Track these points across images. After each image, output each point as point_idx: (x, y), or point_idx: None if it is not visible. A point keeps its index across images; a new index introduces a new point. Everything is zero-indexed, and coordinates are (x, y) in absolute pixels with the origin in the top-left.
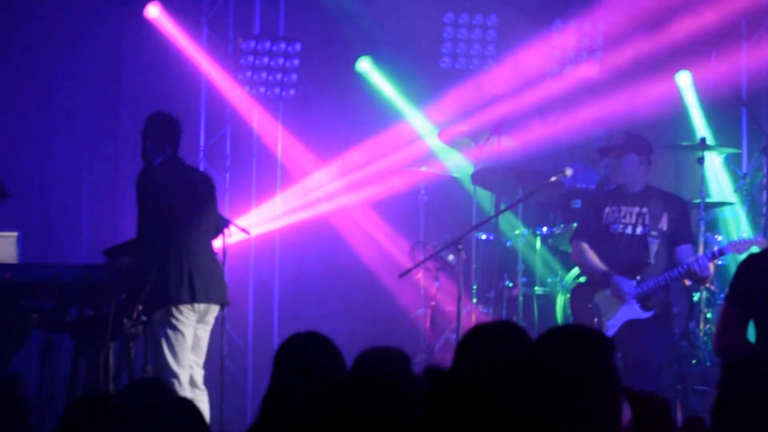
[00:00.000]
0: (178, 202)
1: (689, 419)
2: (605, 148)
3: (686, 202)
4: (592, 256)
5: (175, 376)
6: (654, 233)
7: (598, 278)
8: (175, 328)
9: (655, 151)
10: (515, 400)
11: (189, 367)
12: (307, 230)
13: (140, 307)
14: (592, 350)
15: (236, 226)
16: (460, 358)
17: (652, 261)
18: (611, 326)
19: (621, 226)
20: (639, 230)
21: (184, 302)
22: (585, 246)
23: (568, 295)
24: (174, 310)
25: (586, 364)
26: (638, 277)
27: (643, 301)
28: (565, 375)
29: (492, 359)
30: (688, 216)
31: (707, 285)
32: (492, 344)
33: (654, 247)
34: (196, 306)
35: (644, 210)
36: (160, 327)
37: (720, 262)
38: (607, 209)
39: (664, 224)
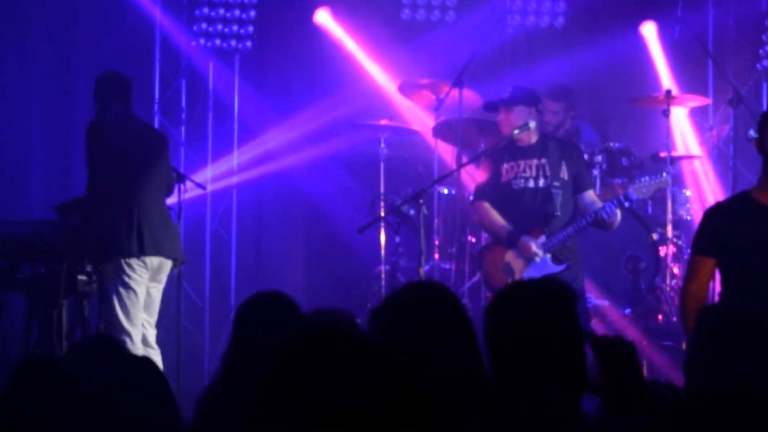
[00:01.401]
0: (127, 156)
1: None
2: (491, 102)
3: (580, 147)
4: (495, 216)
5: (128, 334)
6: (556, 184)
7: (505, 239)
8: (126, 286)
9: (618, 104)
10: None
11: (141, 326)
12: (265, 185)
13: (86, 260)
14: (553, 300)
15: (192, 181)
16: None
17: (559, 212)
18: None
19: (522, 180)
20: (541, 182)
21: (132, 255)
22: (486, 206)
23: None
24: (125, 266)
25: (547, 314)
26: (546, 231)
27: (555, 254)
28: (526, 326)
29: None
30: (584, 161)
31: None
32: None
33: (558, 198)
34: (148, 262)
35: (543, 161)
36: (111, 284)
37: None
38: (505, 165)
39: (564, 173)
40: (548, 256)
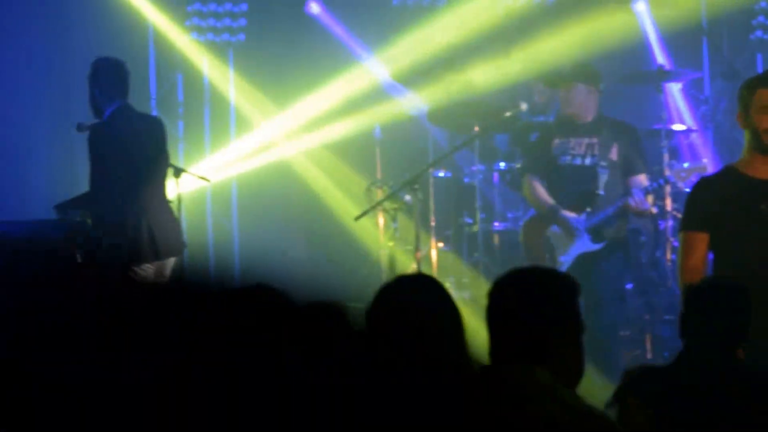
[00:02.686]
0: (132, 155)
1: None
2: (552, 79)
3: (637, 130)
4: (540, 190)
5: None
6: (603, 163)
7: (546, 213)
8: None
9: (611, 81)
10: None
11: None
12: (264, 175)
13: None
14: (554, 291)
15: (194, 174)
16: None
17: (602, 192)
18: (564, 261)
19: (570, 157)
20: (588, 161)
21: (147, 262)
22: (532, 179)
23: None
24: (135, 268)
25: (547, 305)
26: (588, 209)
27: (594, 232)
28: (526, 316)
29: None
30: (639, 145)
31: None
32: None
33: (604, 177)
34: (156, 263)
35: (594, 140)
36: None
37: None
38: (556, 141)
39: (614, 154)
40: (587, 233)
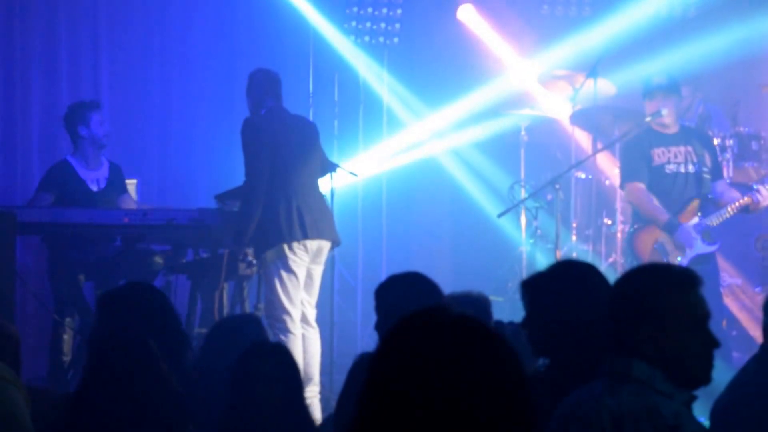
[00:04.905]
0: (281, 146)
1: None
2: (650, 90)
3: (711, 136)
4: (652, 200)
5: (288, 313)
6: (705, 169)
7: (662, 226)
8: (288, 269)
9: (751, 88)
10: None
11: (301, 305)
12: (413, 172)
13: (248, 250)
14: (676, 284)
15: (344, 169)
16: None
17: (711, 195)
18: (680, 264)
19: (674, 165)
20: (691, 168)
21: (296, 240)
22: (642, 186)
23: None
24: (287, 250)
25: (671, 297)
26: (699, 213)
27: (706, 234)
28: (651, 307)
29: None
30: (717, 152)
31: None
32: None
33: (708, 182)
34: (309, 244)
35: (689, 148)
36: (274, 267)
37: None
38: (656, 150)
39: (708, 160)
40: (700, 236)
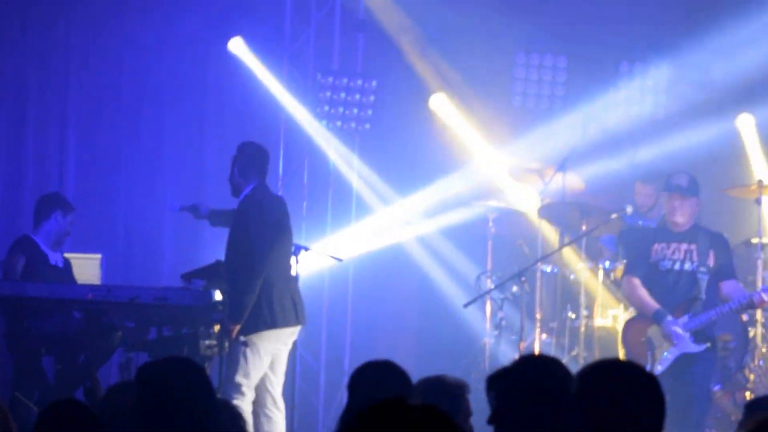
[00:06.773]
0: (276, 224)
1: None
2: (672, 189)
3: (727, 239)
4: (643, 293)
5: (243, 394)
6: (703, 269)
7: (651, 316)
8: (265, 351)
9: (713, 192)
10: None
11: (271, 387)
12: (380, 257)
13: (238, 328)
14: (637, 384)
15: (325, 254)
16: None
17: (704, 296)
18: (665, 359)
19: (670, 262)
20: (688, 266)
21: (290, 325)
22: (636, 281)
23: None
24: (276, 334)
25: (629, 398)
26: (690, 312)
27: (697, 334)
28: (609, 408)
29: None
30: (731, 253)
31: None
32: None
33: (704, 282)
34: (295, 329)
35: (692, 247)
36: (253, 348)
37: None
38: (656, 246)
39: (711, 260)
40: (689, 335)
